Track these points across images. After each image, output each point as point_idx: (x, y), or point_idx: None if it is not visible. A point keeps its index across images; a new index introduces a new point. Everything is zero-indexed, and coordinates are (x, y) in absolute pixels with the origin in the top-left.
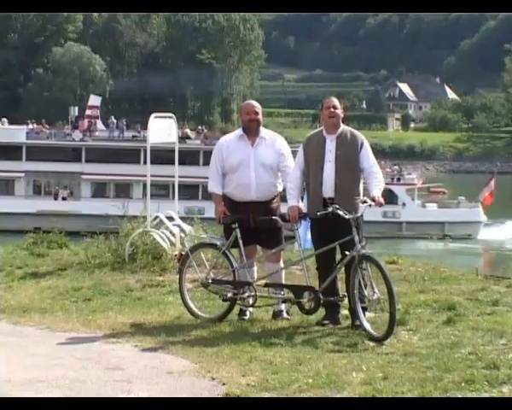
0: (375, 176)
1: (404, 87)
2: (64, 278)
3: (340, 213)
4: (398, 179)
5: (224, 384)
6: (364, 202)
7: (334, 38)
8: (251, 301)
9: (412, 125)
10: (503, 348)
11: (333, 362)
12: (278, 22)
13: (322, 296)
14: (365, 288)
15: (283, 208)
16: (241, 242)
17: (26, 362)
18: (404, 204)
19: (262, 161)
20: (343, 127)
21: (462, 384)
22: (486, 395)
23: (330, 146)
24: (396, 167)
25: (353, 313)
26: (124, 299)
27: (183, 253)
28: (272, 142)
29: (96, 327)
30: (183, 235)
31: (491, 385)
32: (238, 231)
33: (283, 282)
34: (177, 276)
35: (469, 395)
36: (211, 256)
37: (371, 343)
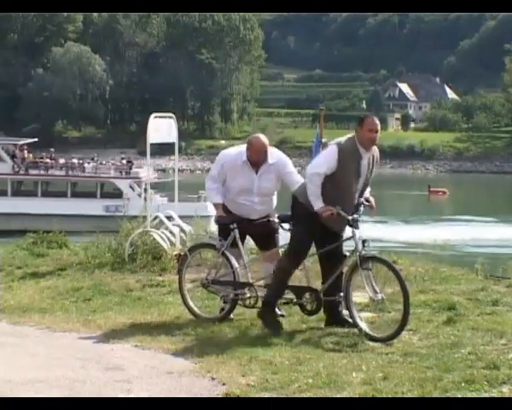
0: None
1: (404, 87)
2: (64, 278)
3: (343, 213)
4: (127, 173)
5: (223, 384)
6: (361, 203)
7: (334, 38)
8: (252, 301)
9: (412, 125)
10: (503, 348)
11: (333, 362)
12: (278, 22)
13: (323, 297)
14: (367, 287)
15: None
16: (239, 242)
17: (26, 362)
18: (128, 199)
19: (266, 188)
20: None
21: (462, 384)
22: (486, 395)
23: (364, 164)
24: (124, 162)
25: (330, 311)
26: (124, 299)
27: (182, 253)
28: (276, 167)
29: (95, 327)
30: (182, 235)
31: (491, 385)
32: (237, 231)
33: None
34: (177, 276)
35: (469, 395)
36: (211, 256)
37: (371, 343)
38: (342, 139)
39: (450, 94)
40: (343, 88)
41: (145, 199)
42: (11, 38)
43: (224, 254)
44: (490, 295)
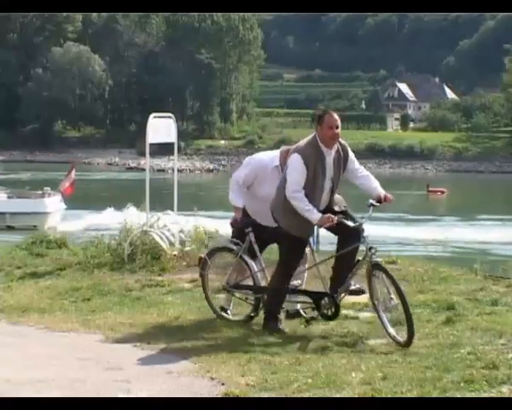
0: (370, 176)
1: (404, 87)
2: (63, 277)
3: (346, 222)
4: None
5: (223, 384)
6: (371, 204)
7: (333, 38)
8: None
9: (411, 125)
10: (503, 348)
11: (332, 362)
12: (277, 22)
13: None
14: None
15: None
16: (256, 246)
17: (26, 362)
18: None
19: None
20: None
21: (462, 384)
22: (485, 395)
23: (329, 163)
24: None
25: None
26: (123, 299)
27: (202, 257)
28: None
29: (95, 327)
30: (182, 235)
31: (491, 385)
32: (252, 235)
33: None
34: (177, 276)
35: (468, 395)
36: (231, 260)
37: (370, 343)
38: (301, 143)
39: (450, 94)
40: (342, 88)
41: None
42: (10, 37)
43: (241, 257)
44: (489, 295)
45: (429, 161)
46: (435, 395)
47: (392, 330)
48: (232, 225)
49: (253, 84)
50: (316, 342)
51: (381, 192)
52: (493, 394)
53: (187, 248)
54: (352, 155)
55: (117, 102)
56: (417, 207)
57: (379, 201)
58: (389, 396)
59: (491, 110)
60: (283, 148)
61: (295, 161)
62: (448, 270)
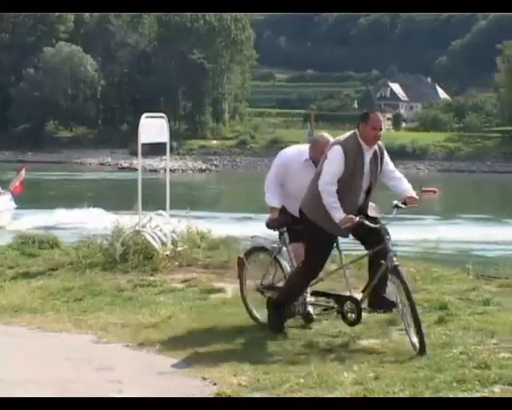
0: (402, 179)
1: (396, 87)
2: (55, 278)
3: (368, 223)
4: None
5: (215, 384)
6: (396, 206)
7: (325, 38)
8: (301, 309)
9: (403, 124)
10: (495, 347)
11: (324, 362)
12: (270, 22)
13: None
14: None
15: None
16: (289, 247)
17: (18, 362)
18: None
19: None
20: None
21: (454, 384)
22: (478, 394)
23: (367, 162)
24: None
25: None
26: (115, 299)
27: (240, 258)
28: None
29: (87, 327)
30: (174, 235)
31: (483, 385)
32: (286, 235)
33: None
34: (169, 276)
35: (461, 394)
36: (268, 260)
37: (363, 343)
38: (343, 137)
39: (442, 94)
40: (334, 88)
41: None
42: (2, 37)
43: (276, 258)
44: (481, 295)
45: (421, 161)
46: (428, 394)
47: (415, 339)
48: (268, 225)
49: (245, 84)
50: (308, 342)
51: (408, 194)
52: (485, 393)
53: (179, 248)
54: (386, 156)
55: (109, 102)
56: (410, 206)
57: (404, 202)
58: (381, 396)
59: (483, 110)
60: (314, 140)
61: (336, 153)
62: (440, 270)
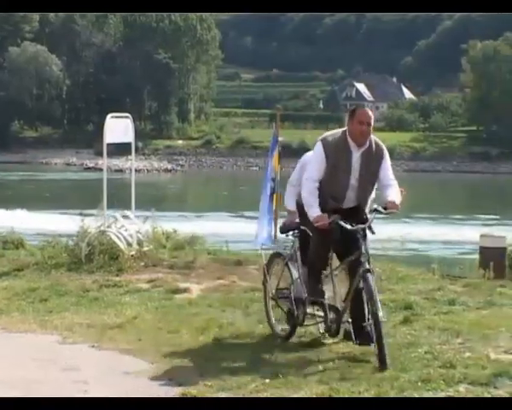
0: (390, 186)
1: (361, 87)
2: (20, 278)
3: (344, 224)
4: None
5: (180, 385)
6: (375, 210)
7: (291, 38)
8: (301, 318)
9: None
10: (460, 347)
11: (290, 362)
12: (235, 22)
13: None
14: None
15: None
16: (298, 253)
17: None
18: None
19: None
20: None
21: (419, 384)
22: (443, 394)
23: (356, 160)
24: None
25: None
26: (80, 299)
27: (264, 265)
28: None
29: (52, 328)
30: (139, 235)
31: (448, 384)
32: (297, 240)
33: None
34: (135, 276)
35: (426, 394)
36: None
37: (329, 342)
38: (330, 133)
39: (407, 94)
40: (300, 88)
41: None
42: None
43: (287, 264)
44: (446, 295)
45: None
46: (393, 394)
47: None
48: (281, 229)
49: (210, 84)
50: (274, 342)
51: (389, 198)
52: (450, 393)
53: (145, 249)
54: (387, 162)
55: (74, 101)
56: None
57: (385, 207)
58: (347, 396)
59: (448, 110)
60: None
61: (316, 149)
62: (406, 269)
